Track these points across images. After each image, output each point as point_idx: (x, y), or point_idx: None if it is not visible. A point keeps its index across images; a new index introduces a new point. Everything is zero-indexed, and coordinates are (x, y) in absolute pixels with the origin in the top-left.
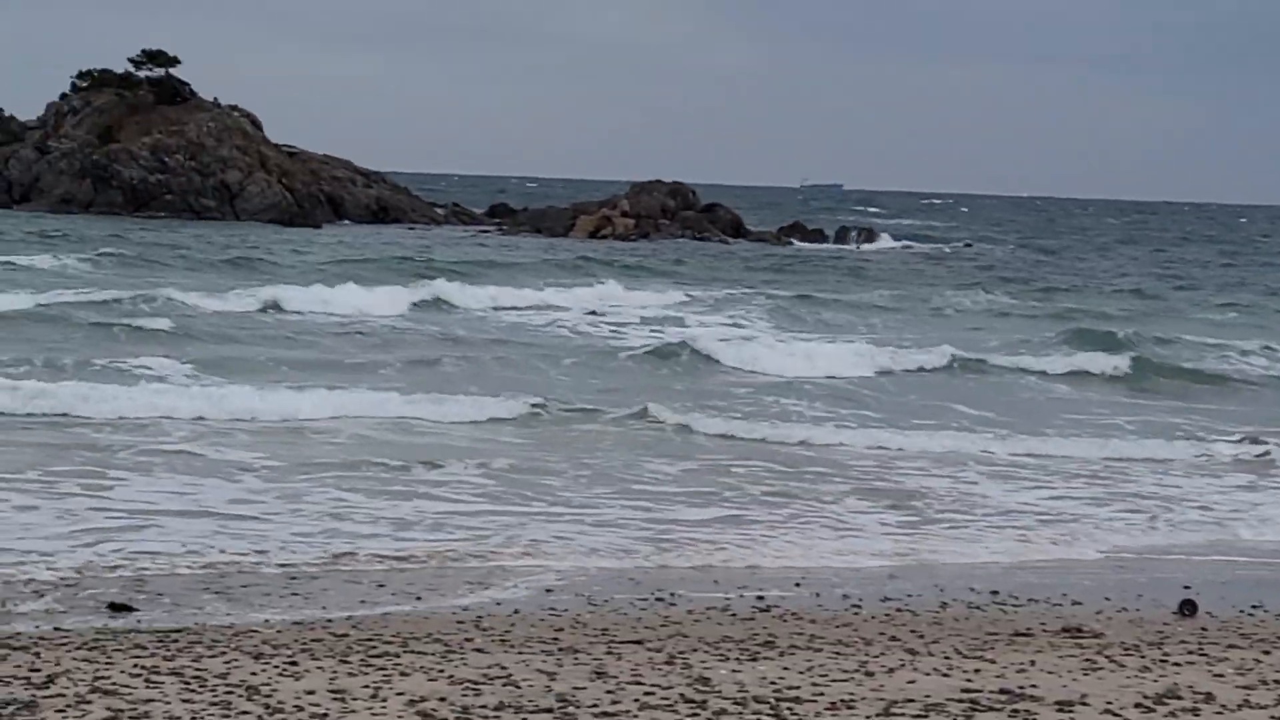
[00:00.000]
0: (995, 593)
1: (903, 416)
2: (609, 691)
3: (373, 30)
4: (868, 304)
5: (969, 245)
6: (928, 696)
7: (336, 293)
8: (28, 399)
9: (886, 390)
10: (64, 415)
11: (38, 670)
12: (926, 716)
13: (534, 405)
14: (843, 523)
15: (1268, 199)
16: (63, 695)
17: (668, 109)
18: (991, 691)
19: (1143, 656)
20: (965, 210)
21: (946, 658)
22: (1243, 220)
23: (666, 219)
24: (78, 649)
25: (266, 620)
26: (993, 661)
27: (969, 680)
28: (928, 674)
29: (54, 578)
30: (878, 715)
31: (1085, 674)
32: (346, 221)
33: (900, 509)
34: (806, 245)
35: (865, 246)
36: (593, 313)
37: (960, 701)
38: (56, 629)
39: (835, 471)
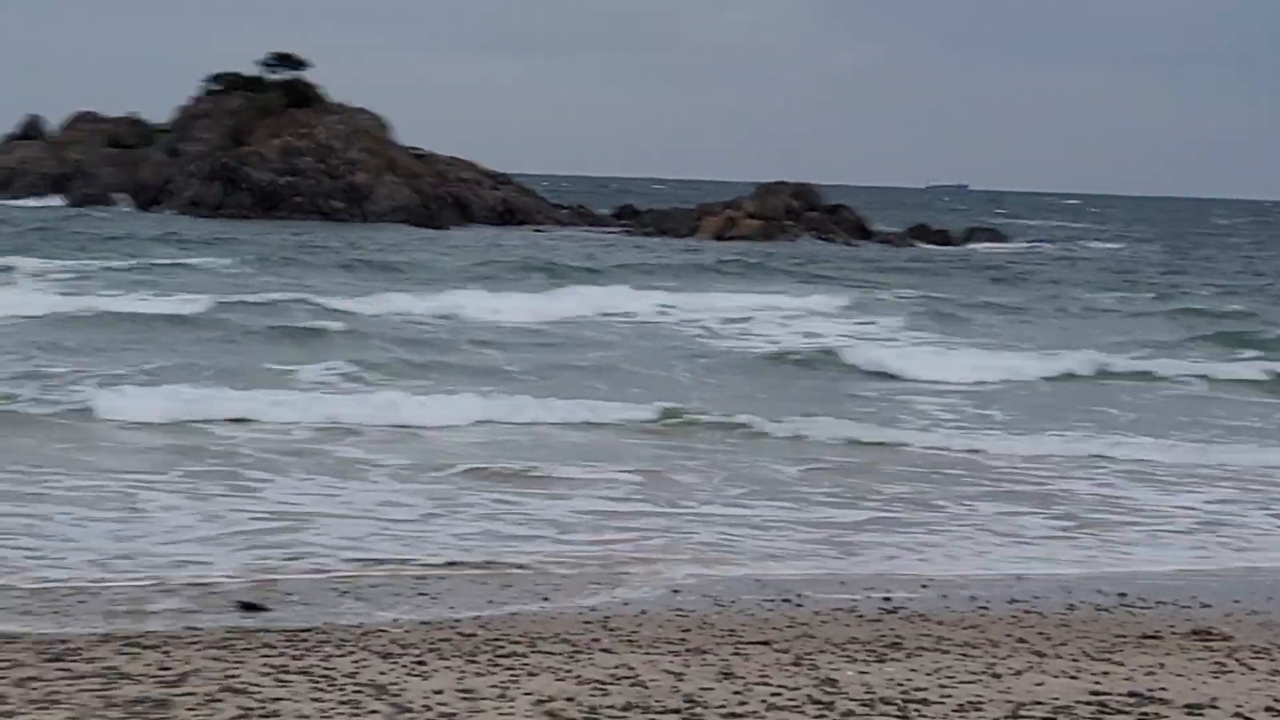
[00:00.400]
0: (1123, 595)
1: (1043, 421)
2: (736, 692)
3: (499, 36)
4: (1004, 305)
5: (1101, 244)
6: (1055, 699)
7: (502, 298)
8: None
9: (1025, 394)
10: (244, 420)
11: (169, 669)
12: (1054, 719)
13: (669, 409)
14: (986, 528)
15: None
16: (193, 694)
17: (790, 109)
18: (1120, 694)
19: (1273, 660)
20: (1094, 210)
21: (1074, 660)
22: None
23: (791, 220)
24: (208, 648)
25: (395, 620)
26: (1121, 664)
27: (1097, 683)
28: (1055, 676)
29: (188, 577)
30: (1005, 718)
31: (1215, 677)
32: (472, 224)
33: (1045, 513)
34: (933, 247)
35: (994, 247)
36: (733, 319)
37: (1089, 704)
38: (188, 628)
39: (976, 475)
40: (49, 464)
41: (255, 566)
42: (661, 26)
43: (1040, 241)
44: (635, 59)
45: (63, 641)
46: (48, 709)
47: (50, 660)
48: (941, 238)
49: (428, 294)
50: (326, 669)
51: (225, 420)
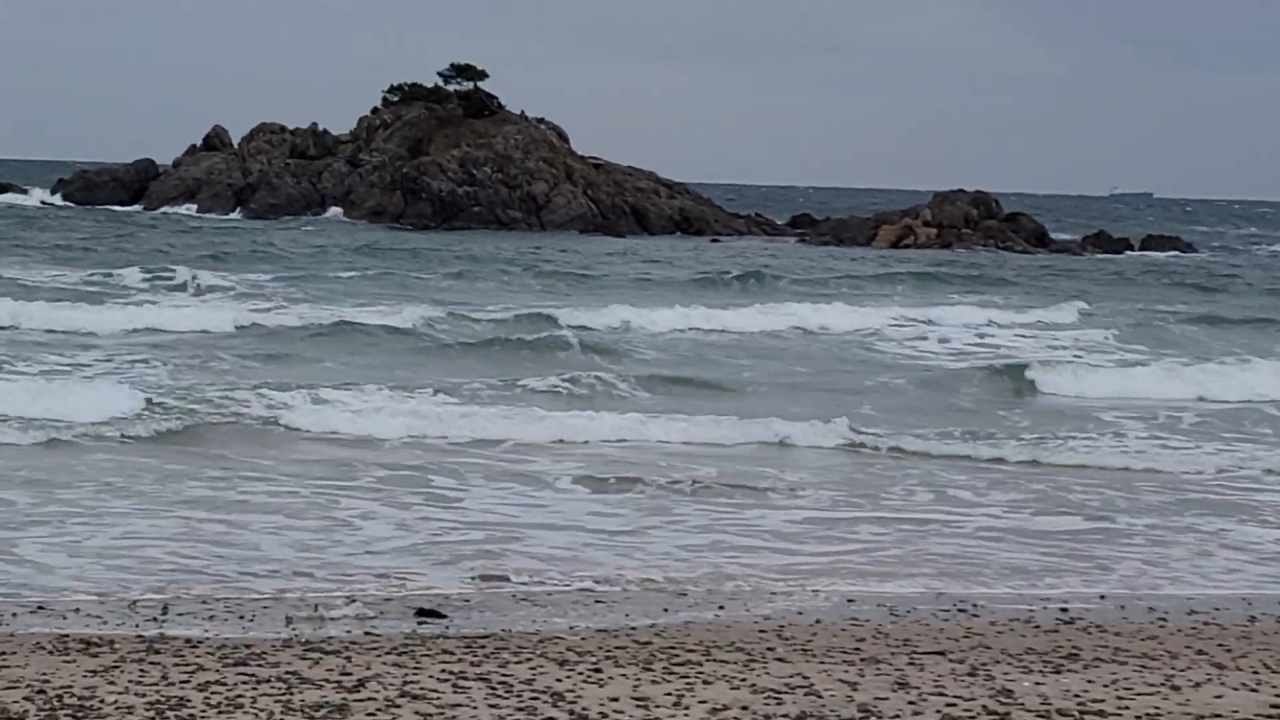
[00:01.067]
0: None
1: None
2: (911, 702)
3: (676, 42)
4: (1200, 317)
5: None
6: (1235, 712)
7: (725, 313)
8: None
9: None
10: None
11: (349, 674)
12: None
13: (860, 432)
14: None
15: None
16: (373, 699)
17: (968, 116)
18: None
19: None
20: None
21: (1255, 672)
22: None
23: (969, 229)
24: (387, 654)
25: (571, 627)
26: None
27: (1279, 695)
28: (1235, 689)
29: (372, 589)
30: None
31: None
32: (649, 233)
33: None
34: (1116, 256)
35: (1172, 256)
36: (932, 336)
37: (1270, 717)
38: (367, 634)
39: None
40: (340, 476)
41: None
42: (837, 32)
43: (1228, 248)
44: (813, 64)
45: (247, 646)
46: (230, 714)
47: (232, 665)
48: (1122, 245)
49: (645, 306)
50: (504, 675)
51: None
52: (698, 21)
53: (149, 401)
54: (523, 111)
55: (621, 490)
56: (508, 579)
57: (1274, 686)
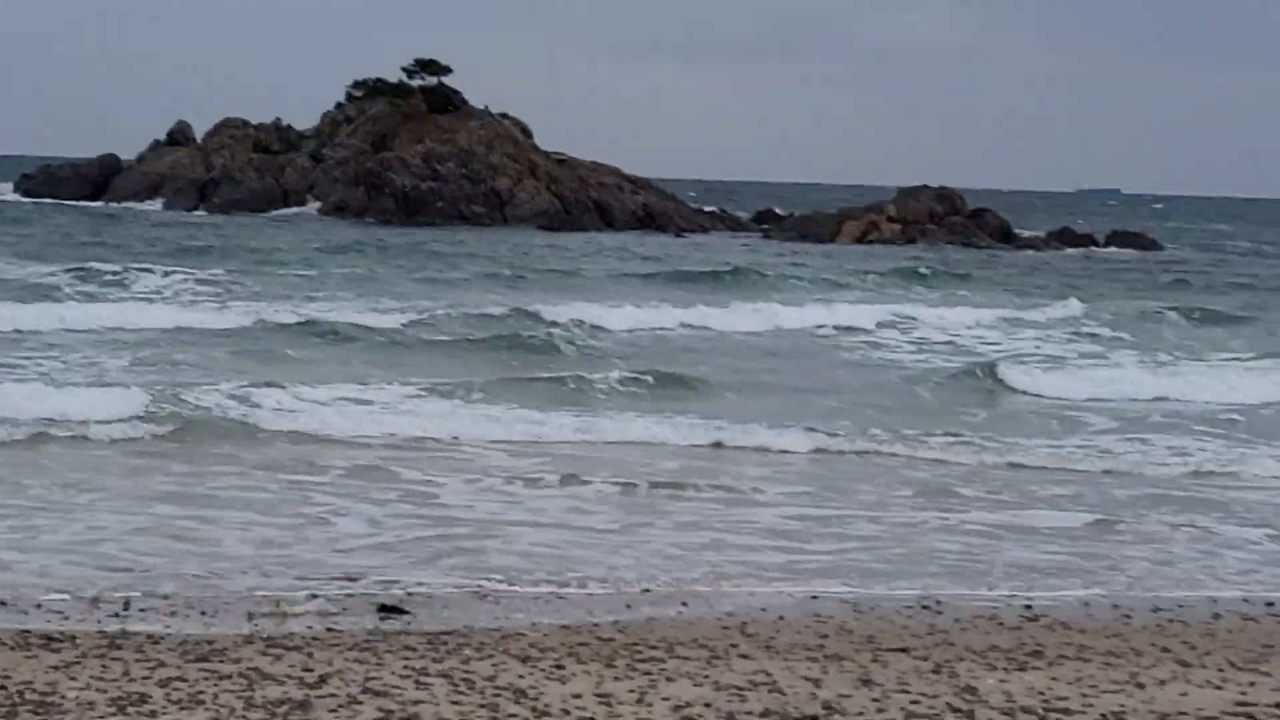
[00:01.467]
0: (1270, 604)
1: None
2: (874, 699)
3: (640, 39)
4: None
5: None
6: (1200, 709)
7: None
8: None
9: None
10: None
11: (311, 670)
12: None
13: (819, 432)
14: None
15: None
16: (335, 695)
17: (936, 113)
18: (1267, 705)
19: None
20: (1255, 218)
21: (1220, 670)
22: None
23: (934, 224)
24: (349, 650)
25: (534, 624)
26: (1269, 674)
27: (1243, 693)
28: (1200, 686)
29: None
30: None
31: None
32: (612, 228)
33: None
34: (1082, 250)
35: (1138, 252)
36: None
37: (1235, 715)
38: (330, 630)
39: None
40: (310, 473)
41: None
42: (811, 32)
43: (1198, 245)
44: (774, 62)
45: (209, 642)
46: (191, 710)
47: (194, 661)
48: (1086, 241)
49: (612, 303)
50: (466, 672)
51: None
52: (662, 19)
53: (124, 400)
54: (486, 106)
55: (581, 486)
56: (407, 611)
57: (1239, 685)
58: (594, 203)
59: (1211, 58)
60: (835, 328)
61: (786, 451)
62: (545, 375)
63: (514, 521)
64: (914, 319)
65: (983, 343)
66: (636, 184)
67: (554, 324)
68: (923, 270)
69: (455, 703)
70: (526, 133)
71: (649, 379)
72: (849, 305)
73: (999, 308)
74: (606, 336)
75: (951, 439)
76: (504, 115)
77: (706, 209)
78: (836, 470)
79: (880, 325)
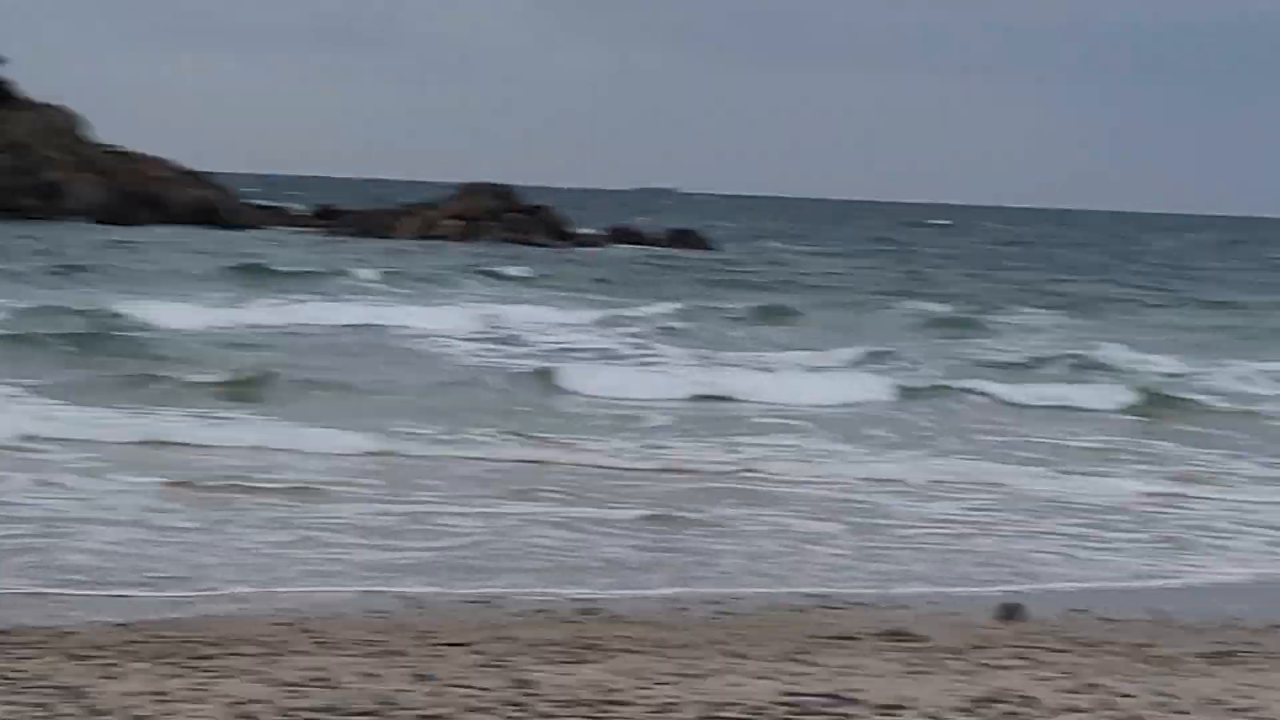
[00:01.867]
0: (822, 596)
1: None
2: (430, 694)
3: (210, 31)
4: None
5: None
6: (750, 699)
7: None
8: None
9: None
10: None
11: None
12: (750, 719)
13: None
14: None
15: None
16: None
17: (503, 110)
18: (815, 695)
19: (965, 660)
20: (803, 217)
21: (771, 661)
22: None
23: (492, 221)
24: None
25: (89, 622)
26: (817, 665)
27: (793, 683)
28: (751, 677)
29: None
30: (701, 718)
31: (909, 677)
32: (170, 223)
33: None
34: (644, 249)
35: (693, 251)
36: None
37: (784, 705)
38: None
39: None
40: None
41: None
42: (374, 26)
43: (745, 244)
44: (338, 56)
45: None
46: None
47: None
48: (636, 238)
49: (168, 300)
50: (15, 671)
51: None
52: (231, 10)
53: None
54: (41, 101)
55: (153, 484)
56: None
57: (788, 675)
58: (150, 196)
59: (752, 57)
60: (381, 327)
61: (346, 455)
62: (110, 374)
63: (82, 519)
64: (497, 317)
65: (548, 341)
66: (197, 178)
67: (116, 316)
68: (487, 269)
69: (6, 703)
70: (82, 125)
71: (216, 376)
72: (417, 307)
73: (551, 305)
74: (173, 334)
75: (512, 437)
76: (57, 107)
77: (267, 204)
78: (394, 468)
79: (449, 324)
